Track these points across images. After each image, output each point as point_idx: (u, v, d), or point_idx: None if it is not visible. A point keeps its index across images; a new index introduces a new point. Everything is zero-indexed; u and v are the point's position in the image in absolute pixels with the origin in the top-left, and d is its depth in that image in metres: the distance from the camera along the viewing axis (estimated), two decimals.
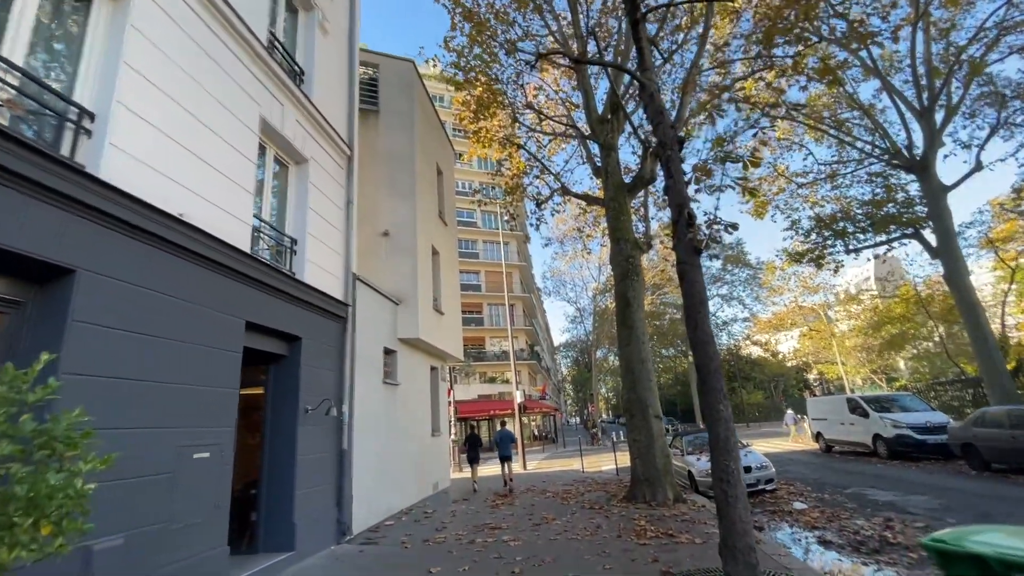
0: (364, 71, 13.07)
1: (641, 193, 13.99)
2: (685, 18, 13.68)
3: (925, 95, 15.23)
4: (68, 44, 4.39)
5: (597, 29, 11.57)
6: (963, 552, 2.21)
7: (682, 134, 6.07)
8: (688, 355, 45.19)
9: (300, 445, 6.62)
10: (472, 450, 14.08)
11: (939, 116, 15.17)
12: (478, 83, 13.70)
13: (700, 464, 10.70)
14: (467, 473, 18.20)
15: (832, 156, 20.09)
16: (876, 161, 17.24)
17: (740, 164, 5.31)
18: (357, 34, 9.93)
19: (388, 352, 10.44)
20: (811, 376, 53.74)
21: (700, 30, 12.27)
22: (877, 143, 17.08)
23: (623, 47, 13.24)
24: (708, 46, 12.53)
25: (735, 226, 5.55)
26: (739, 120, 10.52)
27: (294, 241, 7.35)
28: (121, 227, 4.25)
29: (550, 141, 16.96)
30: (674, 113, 11.39)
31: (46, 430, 2.05)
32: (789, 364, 52.66)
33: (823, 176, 19.23)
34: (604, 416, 79.26)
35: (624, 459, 17.42)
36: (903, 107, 15.73)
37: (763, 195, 20.03)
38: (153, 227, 4.53)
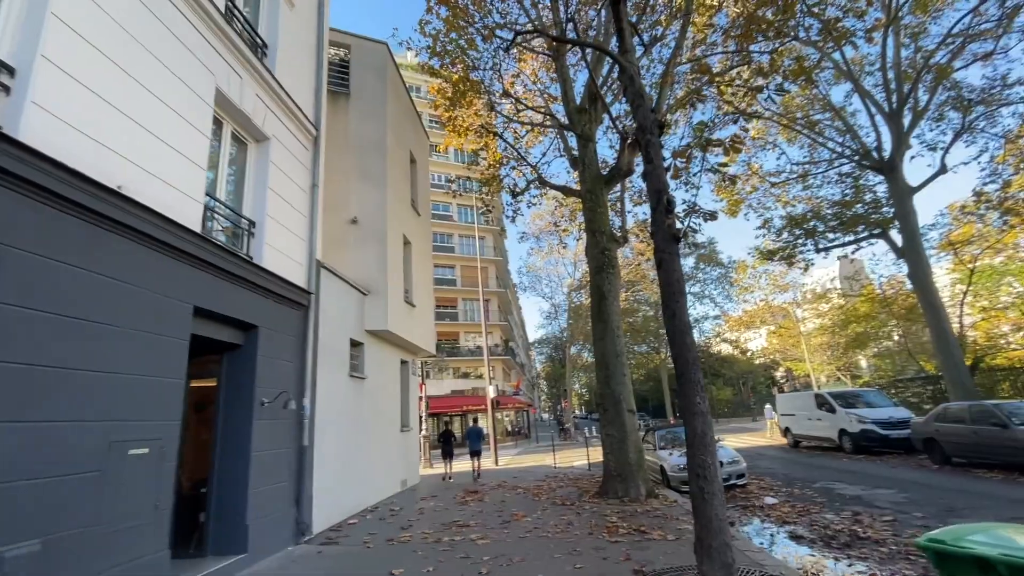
0: (335, 52, 12.54)
1: (617, 188, 13.87)
2: (664, 14, 13.60)
3: (894, 98, 15.54)
4: None
5: (576, 17, 11.32)
6: (964, 554, 2.05)
7: (668, 106, 5.90)
8: (660, 351, 45.75)
9: (255, 441, 6.21)
10: (446, 445, 15.41)
11: (907, 119, 15.50)
12: (454, 70, 13.33)
13: (673, 459, 10.65)
14: (437, 469, 17.95)
15: (804, 156, 20.47)
16: (847, 161, 17.57)
17: (721, 149, 5.15)
18: (327, 10, 9.44)
19: (355, 344, 10.02)
20: (778, 373, 55.17)
21: (678, 26, 12.20)
22: (848, 144, 17.40)
23: (602, 38, 13.05)
24: (687, 40, 12.46)
25: (714, 215, 5.39)
26: (717, 116, 10.45)
27: (252, 223, 6.89)
28: (44, 196, 3.78)
29: (527, 133, 16.69)
30: (653, 104, 11.27)
31: None
32: (757, 361, 53.92)
33: (795, 176, 19.53)
34: (577, 411, 79.84)
35: (596, 455, 17.40)
36: (873, 109, 16.04)
37: (736, 193, 20.27)
38: (84, 199, 4.07)
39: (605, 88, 12.89)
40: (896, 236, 16.29)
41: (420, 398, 17.20)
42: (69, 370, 3.88)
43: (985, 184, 16.49)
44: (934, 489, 8.76)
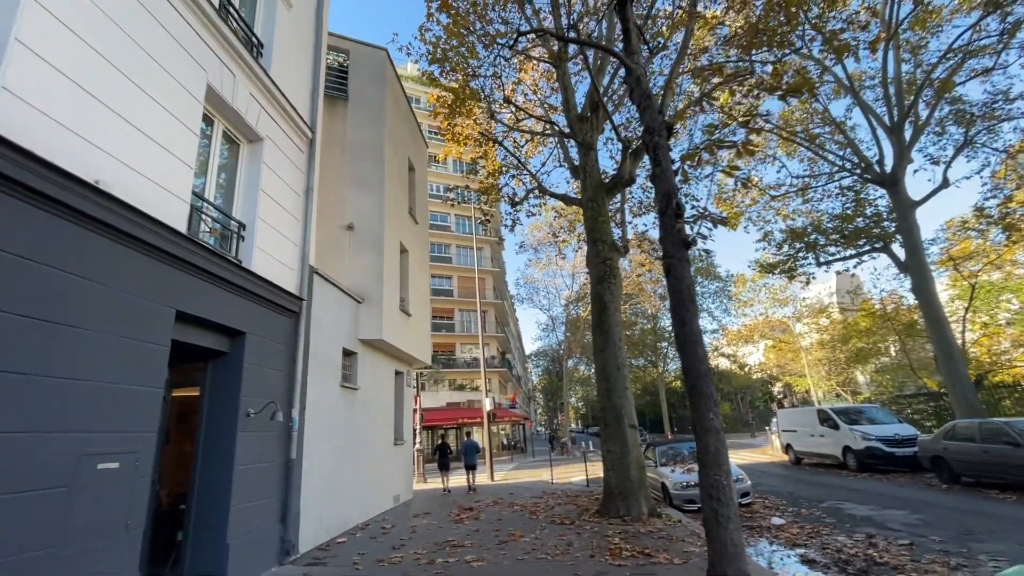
0: (334, 58, 12.40)
1: (617, 199, 13.71)
2: (666, 24, 13.56)
3: (895, 112, 15.50)
4: None
5: (579, 24, 11.22)
6: None
7: (669, 118, 5.69)
8: (658, 365, 45.44)
9: (239, 454, 5.86)
10: (442, 458, 15.80)
11: (908, 133, 15.45)
12: (454, 77, 13.21)
13: (675, 476, 10.30)
14: (431, 484, 17.53)
15: (804, 170, 20.42)
16: (848, 175, 17.47)
17: (732, 152, 4.93)
18: (326, 12, 9.29)
19: (348, 353, 9.70)
20: (776, 388, 54.89)
21: (680, 36, 12.15)
22: (848, 157, 17.33)
23: (601, 53, 12.97)
24: (688, 51, 12.38)
25: (724, 220, 5.16)
26: (718, 124, 10.20)
27: (242, 226, 6.62)
28: (11, 188, 3.51)
29: (527, 143, 16.58)
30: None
31: None
32: (755, 376, 53.60)
33: (795, 189, 19.43)
34: (574, 425, 79.08)
35: (595, 470, 16.99)
36: (874, 123, 15.98)
37: (736, 205, 20.16)
38: (57, 192, 3.80)
39: (607, 98, 12.78)
40: (898, 250, 16.15)
41: (415, 410, 16.81)
42: (33, 376, 3.57)
43: (987, 199, 16.42)
44: (948, 510, 8.45)
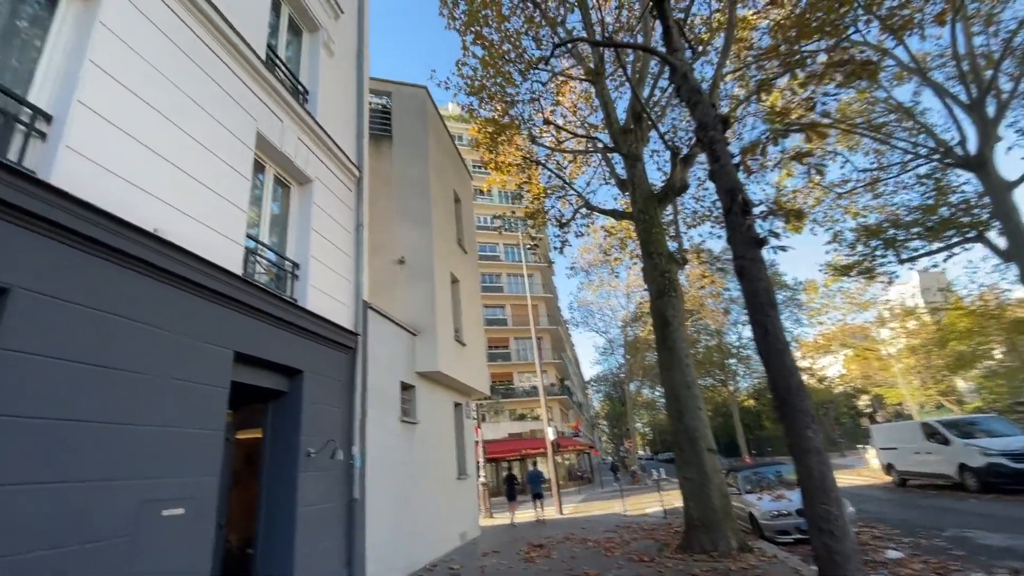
0: (377, 101, 12.87)
1: (669, 211, 13.17)
2: (705, 31, 13.18)
3: (974, 88, 14.11)
4: (28, 44, 3.93)
5: (615, 36, 11.05)
6: None
7: (724, 110, 5.30)
8: (727, 383, 42.89)
9: (301, 495, 5.77)
10: (510, 488, 16.81)
11: (992, 109, 13.98)
12: (492, 107, 13.36)
13: (764, 505, 9.32)
14: (497, 520, 17.02)
15: (871, 163, 18.94)
16: (924, 161, 15.98)
17: (800, 137, 4.45)
18: (366, 56, 9.63)
19: (406, 387, 9.61)
20: (861, 402, 50.34)
21: (720, 41, 11.73)
22: (923, 143, 15.88)
23: (640, 64, 12.74)
24: (731, 51, 11.89)
25: (801, 214, 4.65)
26: (781, 113, 9.49)
27: (296, 265, 6.73)
28: (76, 241, 3.63)
29: (570, 163, 16.42)
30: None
31: None
32: (837, 390, 49.33)
33: (864, 183, 17.99)
34: (641, 452, 75.77)
35: (671, 499, 15.87)
36: (950, 103, 14.61)
37: (798, 207, 18.92)
38: (118, 242, 3.91)
39: (651, 104, 12.45)
40: (997, 238, 14.43)
41: (476, 442, 16.51)
42: (96, 423, 3.59)
43: None
44: None
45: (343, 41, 8.96)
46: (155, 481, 3.97)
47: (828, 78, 10.05)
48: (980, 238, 15.02)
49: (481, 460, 18.76)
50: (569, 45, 12.34)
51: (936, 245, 16.47)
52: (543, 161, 14.44)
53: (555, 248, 15.41)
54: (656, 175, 12.50)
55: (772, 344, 3.96)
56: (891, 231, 17.27)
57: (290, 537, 5.55)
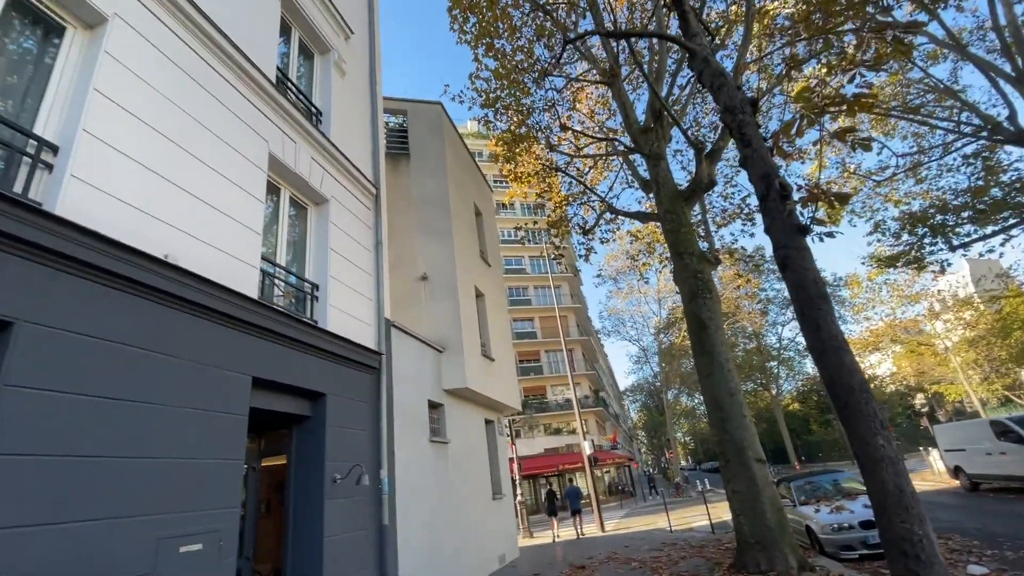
0: (393, 120, 12.93)
1: (697, 212, 12.69)
2: (723, 26, 12.81)
3: (1020, 59, 13.19)
4: (33, 76, 3.94)
5: (628, 39, 10.78)
6: None
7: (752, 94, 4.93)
8: (769, 387, 41.19)
9: (328, 523, 5.55)
10: (550, 504, 17.37)
11: None
12: (507, 117, 13.24)
13: (822, 517, 8.62)
14: (537, 539, 16.52)
15: (910, 147, 17.94)
16: (971, 140, 14.99)
17: (844, 112, 4.04)
18: (379, 73, 9.64)
19: (434, 406, 9.37)
20: (917, 401, 47.63)
21: (740, 32, 11.32)
22: (967, 122, 14.92)
23: (656, 61, 12.43)
24: (752, 41, 11.47)
25: (845, 196, 4.22)
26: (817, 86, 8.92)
27: (315, 287, 6.62)
28: (83, 270, 3.55)
29: (591, 170, 16.14)
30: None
31: None
32: (889, 389, 46.66)
33: (904, 168, 17.02)
34: (684, 463, 73.40)
35: (718, 512, 15.06)
36: (995, 76, 13.70)
37: (824, 220, 18.00)
38: (128, 270, 3.82)
39: (671, 100, 12.09)
40: None
41: (511, 459, 16.12)
42: (107, 459, 3.46)
43: None
44: None
45: (355, 61, 8.98)
46: (171, 516, 3.81)
47: (859, 56, 9.52)
48: None
49: (517, 477, 18.33)
50: (581, 45, 12.15)
51: (990, 229, 15.37)
52: (563, 168, 14.17)
53: (580, 256, 15.08)
54: (680, 175, 12.17)
55: (827, 342, 3.53)
56: (938, 217, 16.23)
57: (318, 568, 5.32)
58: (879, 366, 44.56)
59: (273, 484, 7.08)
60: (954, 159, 16.44)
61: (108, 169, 3.96)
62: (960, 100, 14.97)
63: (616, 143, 12.43)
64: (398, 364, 8.05)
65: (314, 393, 5.96)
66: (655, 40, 13.02)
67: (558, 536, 16.18)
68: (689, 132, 10.43)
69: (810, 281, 3.70)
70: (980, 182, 15.58)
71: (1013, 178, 14.70)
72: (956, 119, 15.48)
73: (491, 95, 12.77)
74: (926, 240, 16.27)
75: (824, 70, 9.06)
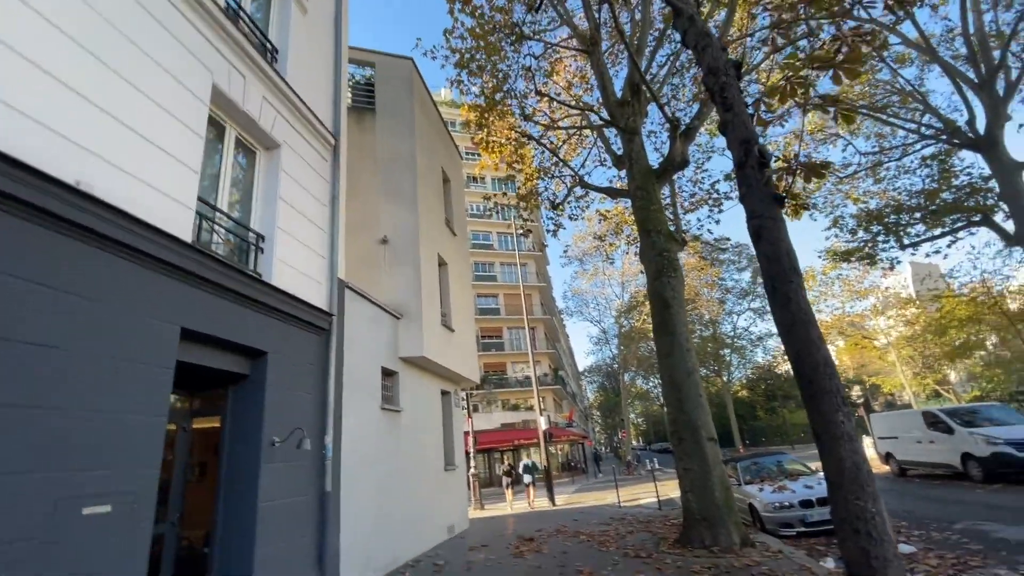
0: (360, 73, 12.18)
1: (666, 194, 12.60)
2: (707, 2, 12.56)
3: (983, 67, 13.59)
4: None
5: (613, 10, 10.36)
6: None
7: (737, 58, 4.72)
8: (721, 374, 42.70)
9: (264, 488, 5.20)
10: (511, 476, 18.89)
11: (1002, 88, 13.48)
12: (482, 81, 12.69)
13: (766, 496, 8.89)
14: (488, 511, 16.62)
15: (872, 147, 18.43)
16: (931, 143, 15.48)
17: (829, 76, 3.87)
18: (345, 16, 8.93)
19: (388, 373, 9.05)
20: (854, 392, 50.52)
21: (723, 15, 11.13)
22: (929, 124, 15.37)
23: (638, 33, 12.10)
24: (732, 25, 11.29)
25: (825, 165, 4.08)
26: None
27: (261, 237, 6.11)
28: None
29: (564, 143, 15.80)
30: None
31: None
32: None
33: (866, 167, 17.50)
34: (635, 443, 75.87)
35: (667, 490, 15.49)
36: (960, 82, 14.09)
37: (796, 194, 18.38)
38: (32, 196, 3.29)
39: (649, 73, 11.84)
40: (1003, 221, 14.00)
41: (466, 432, 16.03)
42: (5, 406, 3.00)
43: None
44: None
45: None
46: (75, 475, 3.39)
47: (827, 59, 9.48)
48: (986, 221, 14.60)
49: (472, 450, 18.31)
50: (561, 7, 11.69)
51: (939, 230, 16.06)
52: (537, 137, 13.78)
53: (549, 232, 14.83)
54: (653, 157, 12.03)
55: (796, 315, 3.41)
56: (892, 216, 16.83)
57: (250, 534, 4.99)
58: None
59: (211, 447, 6.65)
60: (912, 160, 17.02)
61: (10, 77, 3.38)
62: (924, 103, 15.38)
63: (592, 113, 12.11)
64: (351, 327, 7.65)
65: (254, 351, 5.53)
66: (637, 14, 12.68)
67: (512, 507, 16.90)
68: (669, 106, 10.23)
69: (783, 253, 3.56)
70: (934, 184, 16.18)
71: (964, 183, 15.31)
72: (918, 122, 15.94)
73: (465, 55, 12.17)
74: (879, 238, 16.87)
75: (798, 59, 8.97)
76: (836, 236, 18.77)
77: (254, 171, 6.40)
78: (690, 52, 13.32)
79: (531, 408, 32.11)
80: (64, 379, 3.41)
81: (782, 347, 35.73)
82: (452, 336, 11.66)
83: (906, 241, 16.54)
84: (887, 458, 15.86)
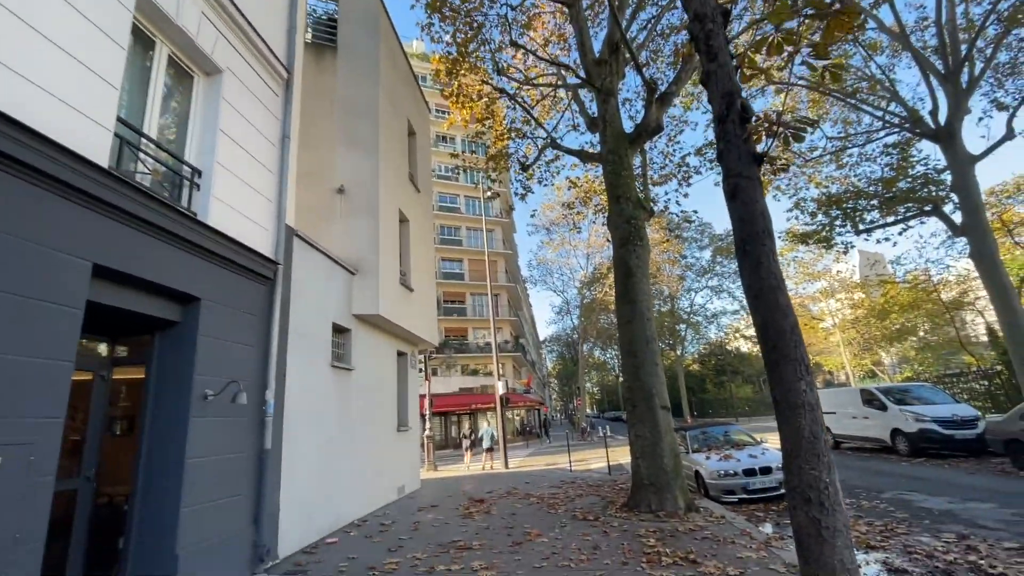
0: (318, 8, 11.21)
1: (638, 163, 12.37)
2: None
3: (951, 58, 13.81)
4: None
5: None
6: None
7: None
8: (675, 348, 44.02)
9: (192, 444, 4.82)
10: (471, 440, 20.50)
11: (966, 81, 13.77)
12: (457, 26, 11.91)
13: (711, 464, 9.13)
14: (442, 473, 16.66)
15: (839, 132, 18.73)
16: (894, 131, 15.81)
17: (819, 24, 3.64)
18: None
19: (340, 330, 8.65)
20: None
21: None
22: (894, 112, 15.65)
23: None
24: None
25: (813, 123, 3.89)
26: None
27: (197, 172, 5.51)
28: None
29: (537, 104, 15.25)
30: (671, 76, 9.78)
31: None
32: None
33: (831, 152, 17.80)
34: (589, 411, 78.20)
35: (617, 456, 15.89)
36: (928, 72, 14.30)
37: (777, 157, 18.58)
38: None
39: (630, 30, 11.39)
40: (953, 212, 14.57)
41: (423, 395, 15.84)
42: None
43: None
44: None
45: None
46: None
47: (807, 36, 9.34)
48: (936, 212, 15.16)
49: (427, 413, 18.20)
50: None
51: (892, 218, 16.61)
52: (511, 92, 13.19)
53: (517, 195, 14.43)
54: (628, 125, 11.62)
55: (766, 280, 3.26)
56: (851, 202, 17.27)
57: (176, 492, 4.63)
58: None
59: (135, 398, 6.15)
60: (875, 148, 17.37)
61: None
62: (892, 91, 15.59)
63: (567, 71, 11.63)
64: (300, 279, 7.18)
65: (185, 296, 5.03)
66: None
67: (468, 468, 17.75)
68: (647, 68, 9.89)
69: (758, 214, 3.38)
70: (892, 173, 16.61)
71: (919, 173, 15.78)
72: (884, 109, 16.19)
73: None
74: (837, 222, 17.33)
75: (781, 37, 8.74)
76: (797, 219, 19.20)
77: (191, 98, 5.73)
78: (671, 16, 12.89)
79: (490, 374, 32.28)
80: None
81: (734, 325, 36.79)
82: (411, 296, 11.27)
83: (861, 227, 17.06)
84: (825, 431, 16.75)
